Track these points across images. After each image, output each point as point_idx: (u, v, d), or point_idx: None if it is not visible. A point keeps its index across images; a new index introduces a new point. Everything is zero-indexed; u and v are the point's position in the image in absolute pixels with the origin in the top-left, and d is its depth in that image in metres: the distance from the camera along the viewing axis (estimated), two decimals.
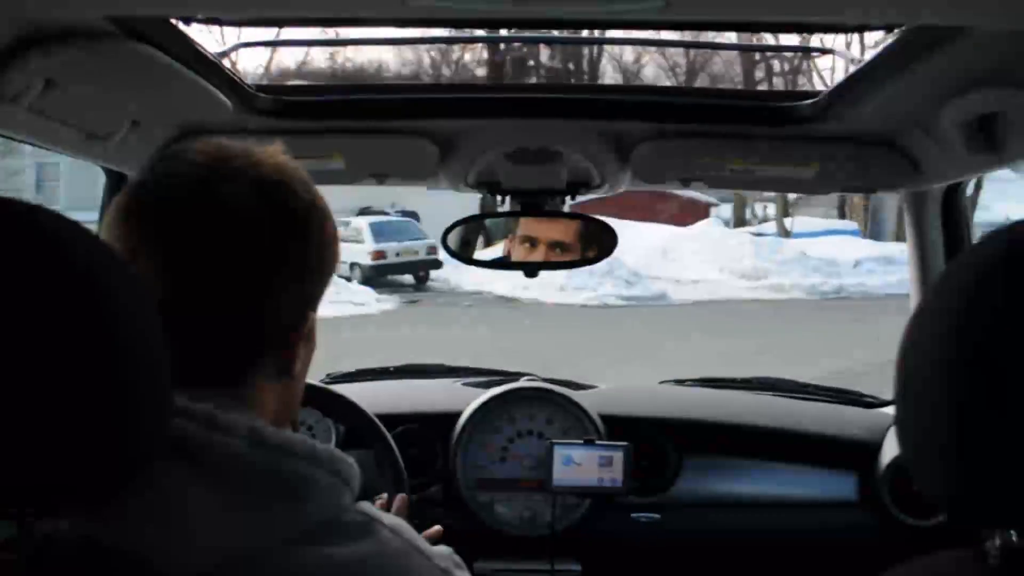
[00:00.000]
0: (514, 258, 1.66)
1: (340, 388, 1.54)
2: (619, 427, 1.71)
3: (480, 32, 1.70)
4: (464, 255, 1.65)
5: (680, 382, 2.14)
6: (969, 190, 1.76)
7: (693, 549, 1.70)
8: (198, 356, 0.66)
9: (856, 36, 1.32)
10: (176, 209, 0.67)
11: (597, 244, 1.63)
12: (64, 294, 0.53)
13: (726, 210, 22.01)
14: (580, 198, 1.63)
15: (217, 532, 0.60)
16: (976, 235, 1.72)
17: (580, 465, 1.61)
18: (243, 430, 0.63)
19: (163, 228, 0.66)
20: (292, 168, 0.71)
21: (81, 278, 0.54)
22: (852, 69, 1.21)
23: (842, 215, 20.88)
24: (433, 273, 14.74)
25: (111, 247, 0.60)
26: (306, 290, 0.71)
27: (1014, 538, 0.54)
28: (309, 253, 0.70)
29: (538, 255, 1.64)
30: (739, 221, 21.15)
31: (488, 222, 1.74)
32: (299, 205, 0.70)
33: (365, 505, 0.70)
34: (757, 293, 13.23)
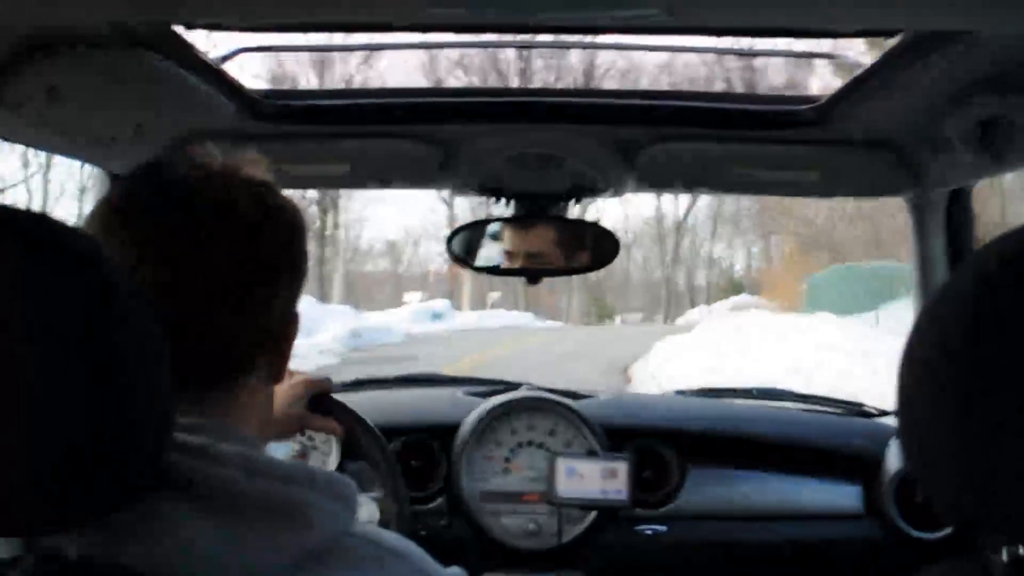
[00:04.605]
0: (507, 265, 1.64)
1: (340, 398, 1.53)
2: (621, 437, 1.70)
3: (473, 37, 1.70)
4: (467, 261, 1.65)
5: (681, 392, 2.13)
6: None
7: (699, 560, 1.68)
8: (200, 359, 0.66)
9: (858, 41, 1.32)
10: (181, 211, 0.66)
11: (596, 251, 1.61)
12: (71, 308, 0.52)
13: None
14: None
15: (219, 562, 0.59)
16: None
17: (584, 477, 1.58)
18: (237, 460, 0.62)
19: (169, 231, 0.65)
20: (266, 171, 0.72)
21: (92, 292, 0.53)
22: (854, 74, 1.21)
23: None
24: None
25: (119, 260, 0.59)
26: (295, 288, 0.71)
27: (1021, 551, 0.54)
28: (297, 251, 0.71)
29: (527, 263, 1.60)
30: None
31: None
32: (286, 204, 0.71)
33: (369, 527, 0.69)
34: None
